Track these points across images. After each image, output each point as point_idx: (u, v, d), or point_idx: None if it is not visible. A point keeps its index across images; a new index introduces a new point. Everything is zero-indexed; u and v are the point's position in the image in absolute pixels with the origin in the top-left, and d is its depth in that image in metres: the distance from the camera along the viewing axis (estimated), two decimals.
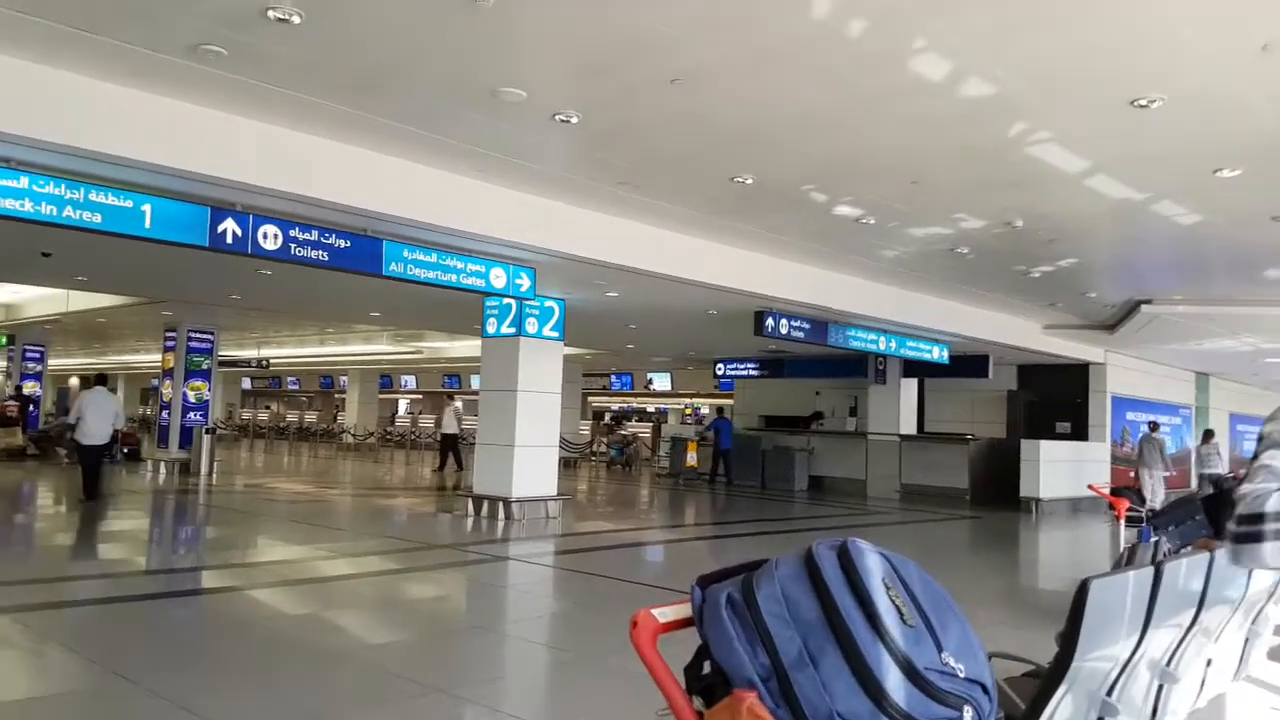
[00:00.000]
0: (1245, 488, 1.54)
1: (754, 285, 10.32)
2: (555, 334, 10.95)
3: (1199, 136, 5.94)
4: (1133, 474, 14.97)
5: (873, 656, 1.20)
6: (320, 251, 7.39)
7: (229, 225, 6.86)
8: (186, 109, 6.12)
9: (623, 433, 25.78)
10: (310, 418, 37.06)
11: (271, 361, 27.32)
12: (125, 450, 18.14)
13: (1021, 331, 14.52)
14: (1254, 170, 6.53)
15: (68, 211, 6.07)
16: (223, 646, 4.92)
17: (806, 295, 11.03)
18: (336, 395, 38.32)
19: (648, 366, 26.82)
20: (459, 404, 18.89)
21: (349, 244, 7.59)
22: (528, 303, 10.37)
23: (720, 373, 20.21)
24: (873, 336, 13.33)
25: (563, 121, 6.07)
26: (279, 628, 5.43)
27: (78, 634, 4.99)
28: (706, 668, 1.31)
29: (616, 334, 16.25)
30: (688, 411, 31.27)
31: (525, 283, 9.33)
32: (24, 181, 5.90)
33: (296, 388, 40.56)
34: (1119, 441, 17.51)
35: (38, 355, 21.75)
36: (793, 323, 11.92)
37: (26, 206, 5.93)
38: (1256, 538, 1.51)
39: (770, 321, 11.56)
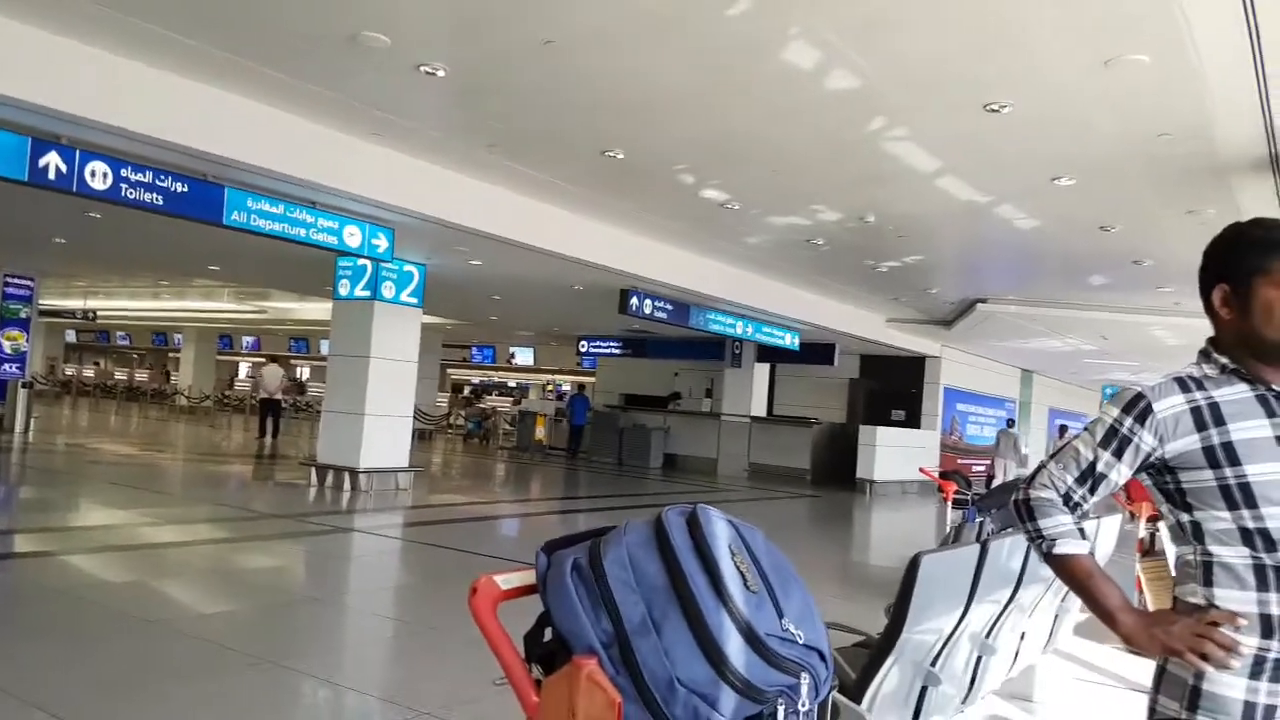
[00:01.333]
0: (1051, 466, 1.62)
1: (621, 263, 10.33)
2: (414, 300, 10.59)
3: (1042, 144, 6.34)
4: (989, 462, 16.13)
5: (715, 622, 1.19)
6: (155, 195, 6.82)
7: (52, 159, 6.22)
8: (14, 29, 5.50)
9: (481, 406, 25.45)
10: (141, 376, 34.69)
11: (99, 314, 25.21)
12: None
13: (866, 323, 15.26)
14: (1088, 181, 7.05)
15: None
16: (29, 613, 4.53)
17: (671, 276, 11.15)
18: (170, 354, 35.90)
19: (511, 340, 26.47)
20: (276, 366, 18.04)
21: (187, 188, 7.04)
22: (385, 265, 9.97)
23: (584, 350, 20.22)
24: (731, 321, 13.68)
25: (428, 74, 5.82)
26: (97, 596, 5.02)
27: None
28: (548, 635, 1.26)
29: (480, 305, 15.95)
30: (549, 388, 31.14)
31: (383, 243, 8.97)
32: None
33: (127, 344, 37.63)
34: (948, 430, 18.75)
35: None
36: (656, 303, 12.04)
37: None
38: (1025, 506, 1.59)
39: (635, 301, 11.63)
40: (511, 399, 28.21)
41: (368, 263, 9.95)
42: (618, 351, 19.52)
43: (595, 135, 6.91)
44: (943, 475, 9.14)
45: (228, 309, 23.13)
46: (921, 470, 10.20)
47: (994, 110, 5.69)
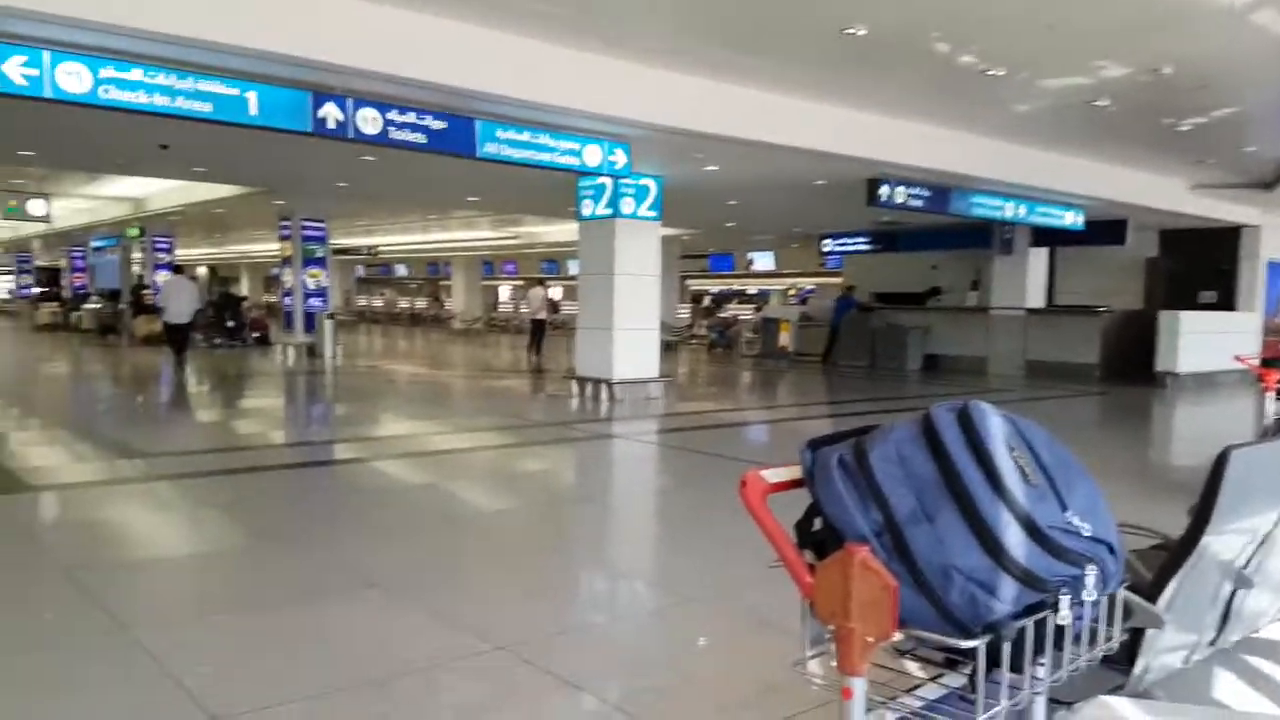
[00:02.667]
0: None
1: (866, 150, 9.88)
2: (652, 214, 10.84)
3: None
4: None
5: (991, 514, 1.20)
6: (417, 134, 7.51)
7: (330, 110, 7.04)
8: None
9: (722, 315, 25.68)
10: (420, 304, 38.43)
11: (380, 249, 28.26)
12: (256, 335, 19.36)
13: (1165, 192, 13.51)
14: None
15: (180, 102, 6.35)
16: (351, 509, 5.33)
17: (925, 160, 10.51)
18: (442, 282, 39.38)
19: (749, 246, 26.33)
20: (540, 288, 19.16)
21: (445, 125, 7.69)
22: (623, 181, 10.27)
23: (827, 249, 19.67)
24: (998, 203, 12.68)
25: None
26: (403, 495, 5.82)
27: (229, 498, 5.46)
28: (817, 525, 1.33)
29: (716, 211, 15.98)
30: (791, 292, 30.80)
31: (620, 159, 9.22)
32: (137, 73, 6.18)
33: (406, 275, 41.88)
34: (1273, 312, 16.36)
35: (166, 246, 23.11)
36: (910, 190, 11.42)
37: (140, 98, 6.21)
38: None
39: (885, 190, 11.11)
40: (753, 306, 28.26)
41: (607, 180, 10.30)
42: (866, 247, 18.81)
43: (833, 13, 6.60)
44: (1264, 363, 8.13)
45: (486, 237, 24.97)
46: (1238, 358, 9.05)
47: None
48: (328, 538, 4.59)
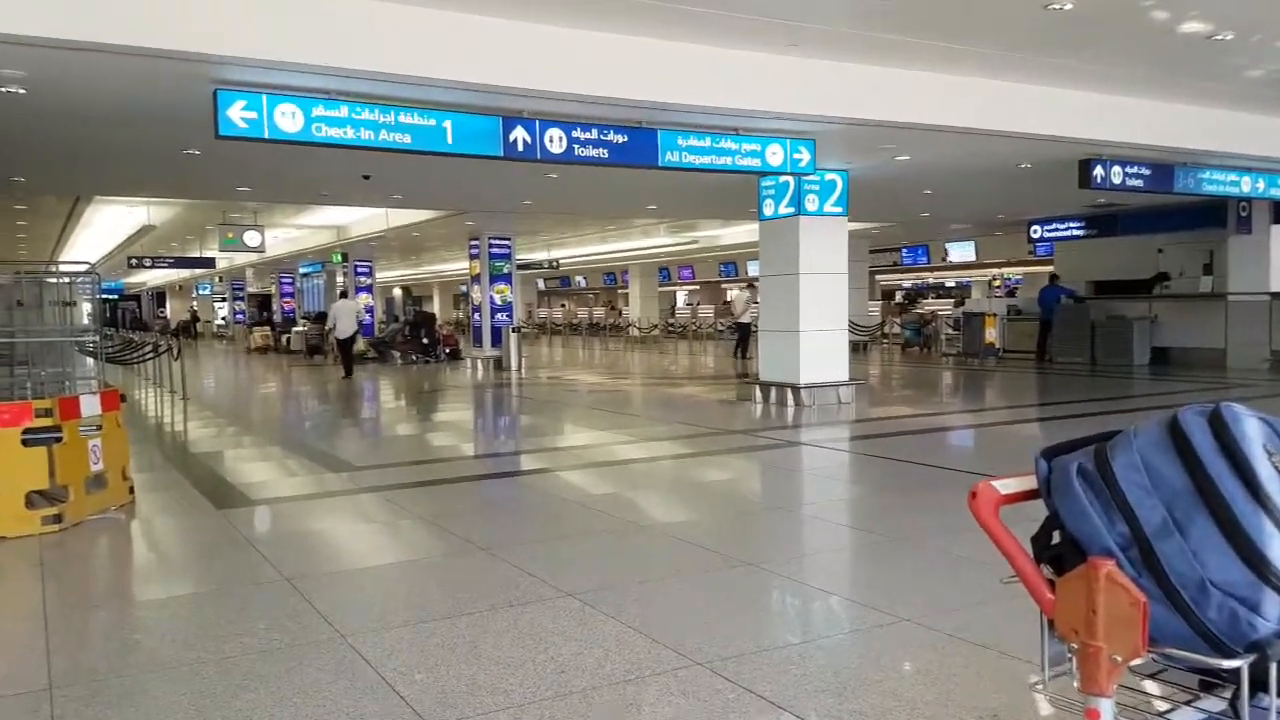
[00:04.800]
0: None
1: (1076, 130, 9.32)
2: (838, 209, 10.71)
3: None
4: None
5: (1252, 525, 1.13)
6: (601, 149, 7.86)
7: (519, 133, 7.52)
8: (474, 21, 6.64)
9: (918, 311, 24.82)
10: (598, 313, 39.60)
11: (560, 262, 29.41)
12: (447, 350, 20.72)
13: None
14: None
15: (383, 135, 6.96)
16: (539, 519, 5.61)
17: (1144, 136, 9.79)
18: (620, 290, 40.36)
19: (945, 236, 25.30)
20: (744, 290, 19.17)
21: (626, 139, 7.98)
22: (807, 178, 10.19)
23: (1035, 235, 18.62)
24: (1233, 177, 11.63)
25: None
26: (587, 504, 6.04)
27: (430, 509, 5.87)
28: (1055, 539, 1.30)
29: (909, 202, 15.52)
30: (996, 283, 29.30)
31: (804, 156, 9.16)
32: (344, 110, 6.83)
33: (584, 286, 43.36)
34: None
35: (366, 269, 25.33)
36: (1127, 169, 10.66)
37: (349, 134, 6.84)
38: None
39: (1099, 171, 10.43)
40: (952, 300, 27.10)
41: (790, 179, 10.25)
42: (1079, 233, 17.67)
43: None
44: None
45: (664, 243, 25.47)
46: None
47: None
48: (522, 546, 4.85)
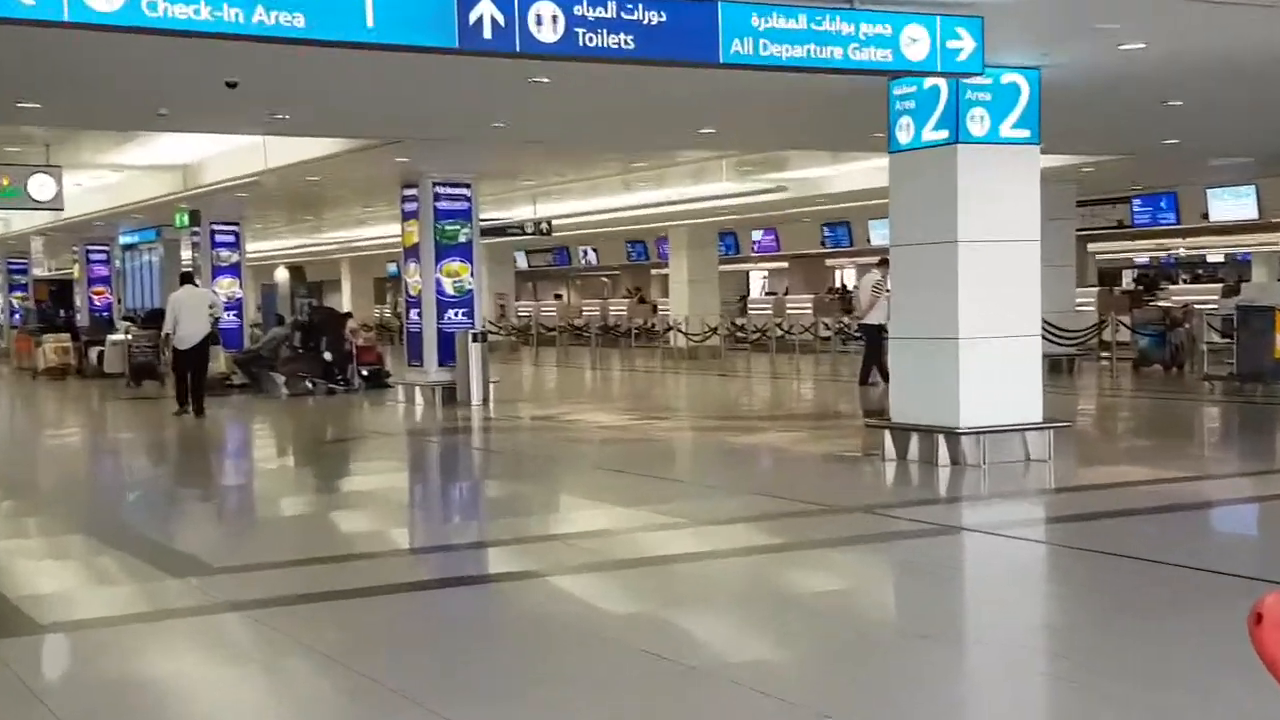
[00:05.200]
0: None
1: None
2: (1024, 133, 10.62)
3: None
4: None
5: None
6: (622, 35, 7.78)
7: (486, 9, 7.48)
8: None
9: (1160, 306, 24.54)
10: (617, 309, 39.52)
11: (554, 223, 29.28)
12: (364, 372, 20.89)
13: None
14: None
15: (258, 15, 6.99)
16: (527, 657, 5.59)
17: None
18: (653, 271, 40.29)
19: (1205, 179, 25.12)
20: (875, 271, 19.01)
21: (664, 17, 7.91)
22: (970, 81, 10.15)
23: None
24: None
25: None
26: (603, 630, 6.04)
27: (334, 639, 5.88)
28: None
29: (1144, 121, 15.40)
30: None
31: (965, 44, 9.12)
32: None
33: (593, 263, 43.28)
34: None
35: (232, 239, 25.17)
36: None
37: (201, 12, 6.89)
38: None
39: None
40: (1219, 286, 26.90)
41: (940, 82, 10.22)
42: None
43: None
44: None
45: (728, 192, 25.28)
46: None
47: None
48: (486, 703, 4.87)
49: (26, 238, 33.52)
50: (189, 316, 16.77)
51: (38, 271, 38.62)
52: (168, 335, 17.28)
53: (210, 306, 17.77)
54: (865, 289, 18.59)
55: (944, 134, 10.48)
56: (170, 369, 18.22)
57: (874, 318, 17.93)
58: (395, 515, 10.25)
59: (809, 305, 34.00)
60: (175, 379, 17.04)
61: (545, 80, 10.92)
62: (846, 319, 28.92)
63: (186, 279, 18.62)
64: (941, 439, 10.58)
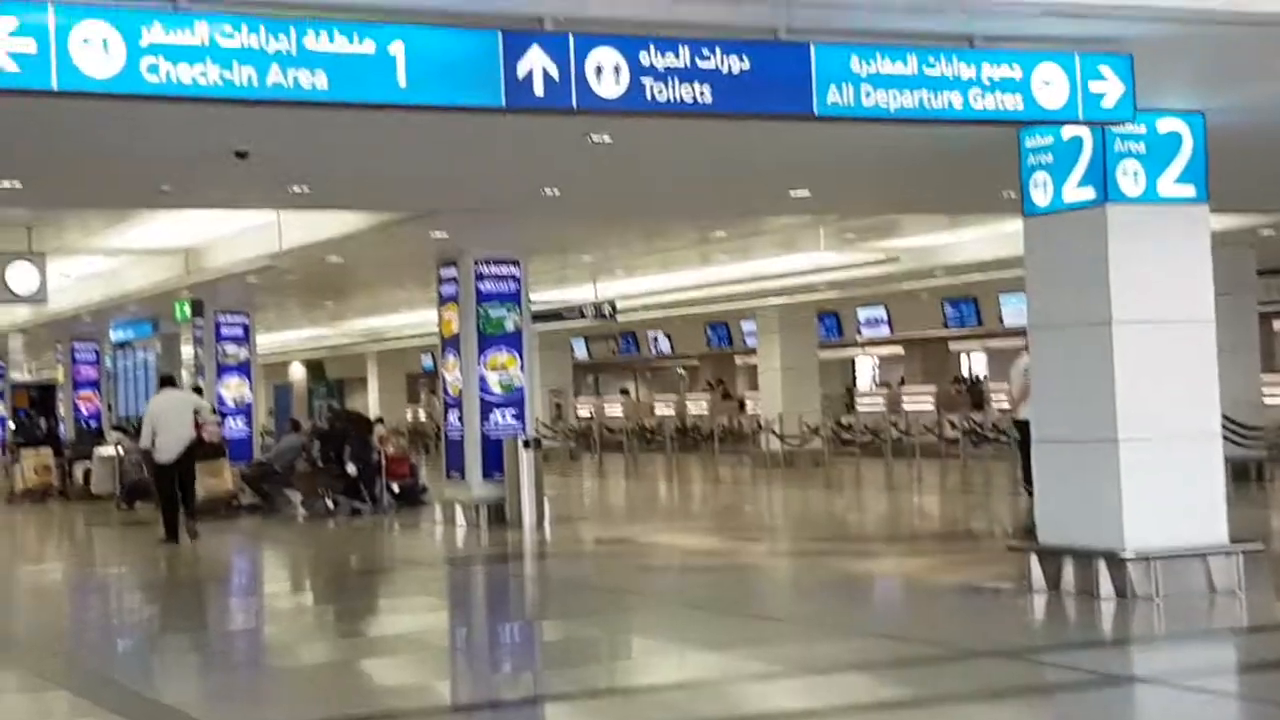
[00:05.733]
0: None
1: None
2: (1188, 189, 10.60)
3: None
4: None
5: None
6: (696, 86, 7.84)
7: (535, 61, 7.56)
8: None
9: None
10: (696, 407, 39.43)
11: (619, 305, 29.27)
12: (395, 489, 20.93)
13: None
14: None
15: (274, 76, 7.11)
16: None
17: None
18: (739, 358, 40.28)
19: None
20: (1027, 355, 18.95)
21: (748, 64, 7.97)
22: (1119, 130, 10.14)
23: None
24: None
25: None
26: None
27: None
28: None
29: None
30: None
31: (1111, 86, 9.12)
32: (202, 33, 6.99)
33: (665, 351, 43.34)
34: None
35: (240, 333, 25.44)
36: None
37: (210, 76, 7.02)
38: None
39: None
40: None
41: (1082, 131, 10.22)
42: None
43: None
44: None
45: (828, 264, 25.32)
46: None
47: None
48: None
49: (4, 336, 34.02)
50: (170, 424, 17.01)
51: (16, 375, 38.98)
52: (146, 451, 17.68)
53: (196, 412, 17.90)
54: (1017, 377, 18.40)
55: (1089, 193, 10.44)
56: (154, 488, 18.39)
57: (1030, 412, 17.72)
58: (433, 664, 10.19)
59: (930, 399, 33.66)
60: (160, 501, 17.25)
61: (607, 139, 10.99)
62: (978, 416, 28.70)
63: (167, 382, 19.15)
64: (1102, 565, 10.38)
